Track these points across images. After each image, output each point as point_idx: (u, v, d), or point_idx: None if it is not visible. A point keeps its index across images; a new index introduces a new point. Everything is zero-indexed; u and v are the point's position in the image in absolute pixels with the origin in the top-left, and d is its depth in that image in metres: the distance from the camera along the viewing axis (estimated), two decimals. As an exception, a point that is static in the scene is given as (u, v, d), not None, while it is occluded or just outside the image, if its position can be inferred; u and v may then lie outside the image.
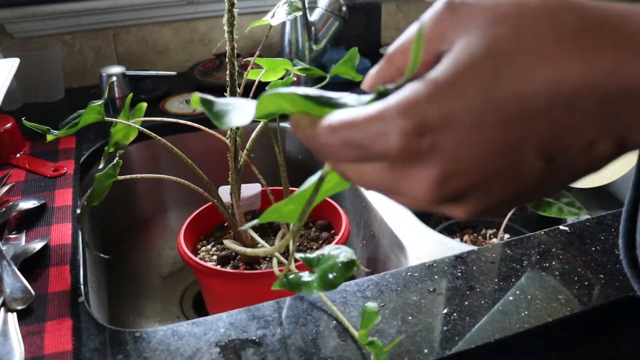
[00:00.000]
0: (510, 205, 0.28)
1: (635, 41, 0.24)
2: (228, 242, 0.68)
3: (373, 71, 0.31)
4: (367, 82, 0.31)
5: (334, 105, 0.28)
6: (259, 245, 0.69)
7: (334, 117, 0.27)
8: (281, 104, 0.28)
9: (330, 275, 0.45)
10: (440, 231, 0.85)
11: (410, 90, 0.25)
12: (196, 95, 0.29)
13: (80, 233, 0.69)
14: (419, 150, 0.25)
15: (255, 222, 0.37)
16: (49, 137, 0.64)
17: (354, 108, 0.27)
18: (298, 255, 0.51)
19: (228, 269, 0.69)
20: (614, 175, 0.61)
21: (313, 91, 0.28)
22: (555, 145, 0.25)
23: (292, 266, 0.59)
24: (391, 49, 0.30)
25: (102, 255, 0.71)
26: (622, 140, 0.25)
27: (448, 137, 0.25)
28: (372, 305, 0.48)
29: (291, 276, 0.47)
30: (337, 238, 0.70)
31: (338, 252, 0.47)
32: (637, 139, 0.25)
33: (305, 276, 0.47)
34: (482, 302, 0.55)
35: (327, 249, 0.49)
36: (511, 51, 0.24)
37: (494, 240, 0.85)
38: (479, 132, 0.24)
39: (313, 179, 0.34)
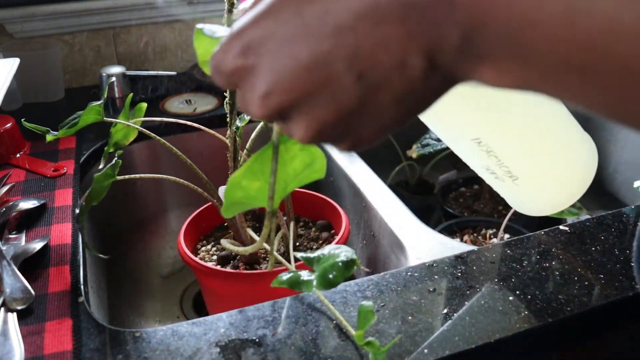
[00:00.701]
0: (345, 130, 0.29)
1: None
2: (224, 242, 0.68)
3: (245, 5, 0.34)
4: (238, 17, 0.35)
5: (210, 37, 0.33)
6: (272, 243, 0.69)
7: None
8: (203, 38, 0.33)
9: (330, 275, 0.45)
10: (440, 231, 0.85)
11: (240, 19, 0.29)
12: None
13: (80, 233, 0.69)
14: (245, 68, 0.29)
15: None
16: (49, 137, 0.64)
17: None
18: (299, 255, 0.51)
19: (228, 269, 0.69)
20: (567, 201, 0.62)
21: (208, 26, 0.33)
22: (364, 59, 0.26)
23: (292, 266, 0.59)
24: None
25: (101, 255, 0.71)
26: (431, 56, 0.25)
27: (266, 54, 0.28)
28: (367, 304, 0.48)
29: (290, 274, 0.47)
30: (337, 238, 0.70)
31: (338, 251, 0.48)
32: (447, 57, 0.25)
33: (305, 275, 0.47)
34: (482, 302, 0.55)
35: (327, 249, 0.49)
36: None
37: (494, 240, 0.85)
38: (290, 48, 0.27)
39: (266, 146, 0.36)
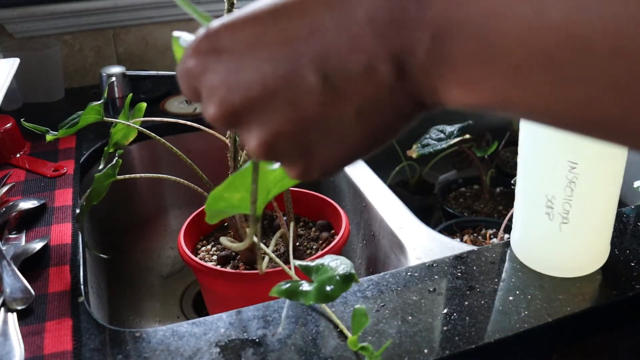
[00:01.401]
0: (302, 146, 0.28)
1: None
2: (223, 239, 0.68)
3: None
4: None
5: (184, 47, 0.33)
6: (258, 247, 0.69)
7: None
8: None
9: (328, 288, 0.45)
10: (440, 231, 0.85)
11: (216, 21, 0.29)
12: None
13: (80, 233, 0.69)
14: (205, 68, 0.28)
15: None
16: (49, 137, 0.64)
17: None
18: (297, 263, 0.51)
19: (228, 269, 0.69)
20: (594, 265, 0.60)
21: (184, 36, 0.34)
22: (332, 61, 0.25)
23: (292, 268, 0.59)
24: None
25: (102, 255, 0.71)
26: (400, 61, 0.25)
27: (230, 54, 0.27)
28: (361, 307, 0.47)
29: (289, 284, 0.47)
30: (337, 238, 0.70)
31: (337, 263, 0.47)
32: (416, 62, 0.25)
33: (304, 285, 0.47)
34: (482, 302, 0.55)
35: (327, 259, 0.48)
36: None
37: (494, 240, 0.85)
38: (257, 48, 0.26)
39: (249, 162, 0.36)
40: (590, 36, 0.20)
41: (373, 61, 0.25)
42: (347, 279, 0.46)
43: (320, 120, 0.27)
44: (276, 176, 0.38)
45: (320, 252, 0.69)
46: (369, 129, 0.27)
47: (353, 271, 0.46)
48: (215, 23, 0.28)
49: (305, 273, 0.49)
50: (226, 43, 0.27)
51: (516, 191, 0.60)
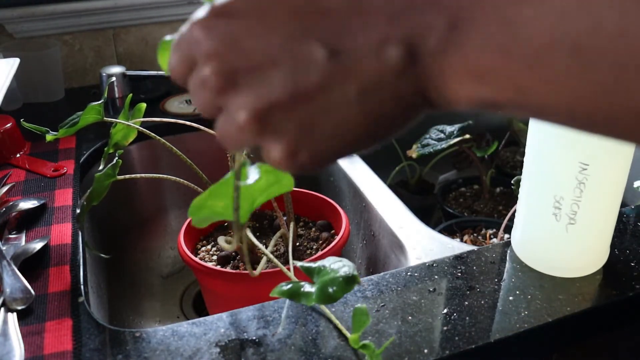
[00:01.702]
0: (295, 122, 0.26)
1: None
2: (221, 239, 0.68)
3: None
4: None
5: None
6: (257, 248, 0.69)
7: None
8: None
9: (330, 289, 0.45)
10: (440, 231, 0.85)
11: None
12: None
13: (80, 233, 0.69)
14: (205, 35, 0.27)
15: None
16: (49, 137, 0.64)
17: None
18: (298, 264, 0.51)
19: (228, 269, 0.69)
20: (595, 265, 0.59)
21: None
22: (342, 36, 0.25)
23: (291, 269, 0.59)
24: None
25: (102, 255, 0.71)
26: (412, 45, 0.24)
27: (237, 21, 0.26)
28: (361, 306, 0.48)
29: (290, 285, 0.47)
30: (337, 238, 0.70)
31: (339, 265, 0.47)
32: (429, 48, 0.24)
33: (306, 286, 0.47)
34: (482, 302, 0.55)
35: (329, 260, 0.49)
36: None
37: (494, 240, 0.85)
38: (267, 17, 0.26)
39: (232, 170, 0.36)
40: (622, 21, 0.20)
41: (384, 42, 0.24)
42: (349, 281, 0.46)
43: (320, 96, 0.26)
44: (261, 186, 0.39)
45: (320, 253, 0.69)
46: (368, 115, 0.26)
47: (355, 273, 0.46)
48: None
49: (307, 274, 0.49)
50: (237, 8, 0.26)
51: (520, 191, 0.60)
